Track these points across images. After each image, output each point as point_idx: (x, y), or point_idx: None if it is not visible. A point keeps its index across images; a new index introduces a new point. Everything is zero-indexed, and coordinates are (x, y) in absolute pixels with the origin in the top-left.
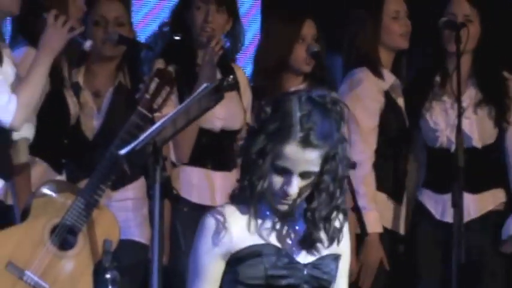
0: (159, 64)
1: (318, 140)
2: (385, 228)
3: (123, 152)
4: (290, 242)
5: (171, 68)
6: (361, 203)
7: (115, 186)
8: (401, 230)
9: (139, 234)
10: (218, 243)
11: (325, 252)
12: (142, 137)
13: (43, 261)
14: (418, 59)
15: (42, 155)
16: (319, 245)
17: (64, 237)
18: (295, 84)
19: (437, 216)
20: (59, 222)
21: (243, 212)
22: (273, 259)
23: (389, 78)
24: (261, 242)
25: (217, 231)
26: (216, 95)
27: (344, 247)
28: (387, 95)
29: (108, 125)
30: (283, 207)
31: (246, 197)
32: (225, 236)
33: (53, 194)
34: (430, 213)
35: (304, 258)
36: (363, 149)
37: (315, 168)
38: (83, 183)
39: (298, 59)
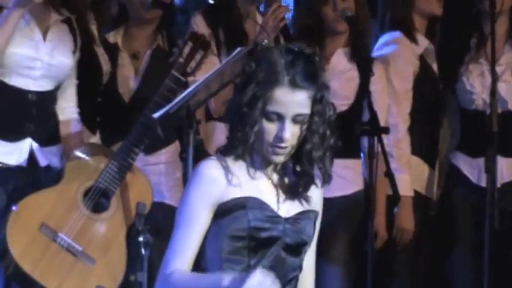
0: (199, 24)
1: (304, 81)
2: (417, 193)
3: (156, 115)
4: (275, 195)
5: (206, 31)
6: (394, 166)
7: (149, 150)
8: (434, 195)
9: (171, 197)
10: (211, 193)
11: (304, 208)
12: (176, 100)
13: (76, 224)
14: (452, 26)
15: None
16: (306, 194)
17: (97, 200)
18: (339, 45)
19: (474, 181)
20: (93, 185)
21: (231, 165)
22: (257, 212)
23: (423, 43)
24: (247, 194)
25: (210, 181)
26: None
27: (319, 205)
28: (421, 59)
29: (144, 88)
30: (278, 158)
31: (237, 150)
32: (217, 186)
33: (87, 157)
34: (466, 177)
35: (286, 212)
36: (397, 112)
37: (306, 110)
38: (116, 146)
39: (328, 18)
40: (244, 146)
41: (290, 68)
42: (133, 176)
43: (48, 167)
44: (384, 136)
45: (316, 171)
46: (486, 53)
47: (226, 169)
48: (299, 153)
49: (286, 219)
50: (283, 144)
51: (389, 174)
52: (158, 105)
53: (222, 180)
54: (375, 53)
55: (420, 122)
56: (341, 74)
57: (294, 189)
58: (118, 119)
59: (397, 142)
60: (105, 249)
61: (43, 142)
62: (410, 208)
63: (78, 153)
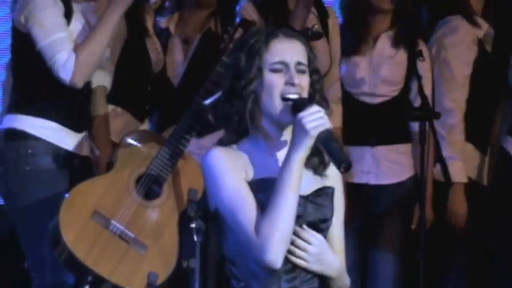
0: (249, 10)
1: (293, 32)
2: (469, 178)
3: (207, 102)
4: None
5: (256, 17)
6: (447, 152)
7: (202, 133)
8: (485, 181)
9: None
10: (238, 167)
11: (320, 185)
12: None
13: (129, 211)
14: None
15: (124, 104)
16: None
17: (149, 187)
18: (384, 27)
19: None
20: (144, 172)
21: (236, 150)
22: None
23: (484, 26)
24: (262, 176)
25: (230, 160)
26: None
27: (335, 182)
28: (480, 44)
29: (193, 71)
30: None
31: (239, 128)
32: (238, 162)
33: (138, 144)
34: None
35: (303, 190)
36: (455, 97)
37: (305, 60)
38: (167, 133)
39: None
40: (243, 117)
41: (277, 28)
42: (185, 162)
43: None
44: (437, 121)
45: None
46: None
47: (235, 153)
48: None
49: (306, 197)
50: (294, 90)
51: (440, 160)
52: (209, 91)
53: (237, 163)
54: (434, 37)
55: (474, 108)
56: (389, 59)
57: (311, 165)
58: (168, 104)
59: (452, 128)
60: (158, 236)
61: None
62: (462, 194)
63: (130, 140)
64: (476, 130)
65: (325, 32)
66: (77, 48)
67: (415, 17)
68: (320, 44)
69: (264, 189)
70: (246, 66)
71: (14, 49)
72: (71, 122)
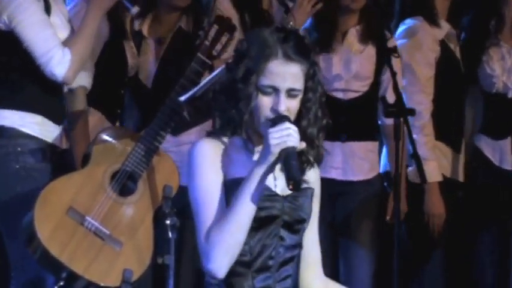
0: (225, 6)
1: (297, 55)
2: (444, 177)
3: (182, 98)
4: (271, 174)
5: (232, 13)
6: (420, 152)
7: (179, 131)
8: (460, 177)
9: None
10: (217, 164)
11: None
12: (202, 83)
13: (103, 207)
14: (471, 10)
15: (97, 105)
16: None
17: (124, 183)
18: (351, 25)
19: (496, 163)
20: (119, 168)
21: (226, 145)
22: None
23: (445, 27)
24: (244, 175)
25: (212, 155)
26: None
27: (315, 184)
28: (443, 44)
29: (165, 70)
30: None
31: (230, 129)
32: (219, 159)
33: (113, 141)
34: (489, 159)
35: (282, 190)
36: (421, 99)
37: (299, 85)
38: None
39: None
40: (238, 124)
41: (283, 42)
42: (160, 159)
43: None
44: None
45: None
46: (508, 35)
47: (222, 147)
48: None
49: (285, 197)
50: None
51: (415, 156)
52: (184, 88)
53: (222, 158)
54: (396, 38)
55: (443, 107)
56: (359, 54)
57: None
58: (142, 106)
59: (422, 128)
60: (132, 233)
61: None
62: (438, 193)
63: (105, 137)
64: (447, 129)
65: None
66: (68, 44)
67: (384, 11)
68: None
69: (233, 191)
70: (244, 81)
71: None
72: (54, 114)
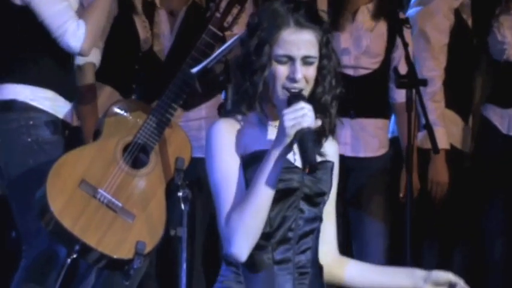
0: None
1: (309, 22)
2: (452, 146)
3: (194, 70)
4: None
5: None
6: (429, 119)
7: (189, 106)
8: (468, 148)
9: None
10: (234, 144)
11: (320, 159)
12: (213, 55)
13: (116, 180)
14: None
15: (110, 81)
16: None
17: (136, 155)
18: (363, 2)
19: (503, 131)
20: (131, 140)
21: (243, 121)
22: None
23: None
24: (262, 148)
25: (229, 135)
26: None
27: (334, 157)
28: (457, 13)
29: (180, 45)
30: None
31: (246, 103)
32: (236, 138)
33: (125, 113)
34: (497, 128)
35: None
36: (433, 65)
37: (314, 52)
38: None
39: None
40: (253, 97)
41: (294, 11)
42: (172, 131)
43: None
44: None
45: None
46: None
47: (238, 125)
48: (310, 99)
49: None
50: (295, 85)
51: (428, 127)
52: (196, 60)
53: (238, 136)
54: (410, 6)
55: (454, 76)
56: (369, 32)
57: None
58: (155, 79)
59: (433, 95)
60: (145, 205)
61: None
62: (443, 161)
63: (117, 109)
64: (457, 98)
65: None
66: (83, 16)
67: None
68: None
69: (252, 164)
70: (257, 52)
71: (6, 21)
72: (65, 91)
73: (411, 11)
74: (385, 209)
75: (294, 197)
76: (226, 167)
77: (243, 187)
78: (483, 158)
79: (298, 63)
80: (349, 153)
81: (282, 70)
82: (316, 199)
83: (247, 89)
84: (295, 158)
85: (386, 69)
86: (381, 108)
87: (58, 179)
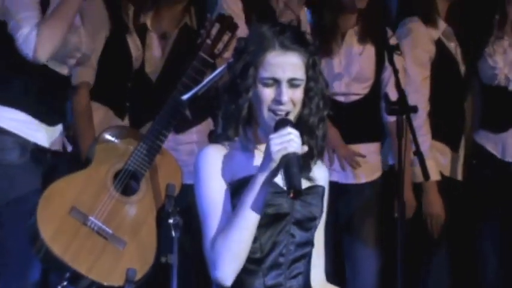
0: (231, 3)
1: (295, 44)
2: (443, 176)
3: (185, 97)
4: (280, 172)
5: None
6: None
7: (180, 129)
8: (459, 176)
9: None
10: (222, 171)
11: (310, 183)
12: (204, 82)
13: (106, 207)
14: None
15: (104, 100)
16: (309, 172)
17: (127, 182)
18: (350, 24)
19: (498, 156)
20: (122, 167)
21: (231, 147)
22: None
23: (441, 26)
24: (249, 174)
25: (217, 162)
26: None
27: (324, 182)
28: (439, 43)
29: (171, 67)
30: (281, 113)
31: (233, 128)
32: (224, 165)
33: (116, 140)
34: (491, 154)
35: None
36: (416, 99)
37: (300, 74)
38: (145, 129)
39: None
40: (239, 120)
41: (280, 34)
42: (163, 158)
43: (73, 153)
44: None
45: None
46: (510, 30)
47: (226, 151)
48: (297, 121)
49: None
50: (282, 107)
51: (418, 153)
52: (186, 86)
53: (226, 162)
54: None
55: (440, 106)
56: (358, 55)
57: None
58: (146, 100)
59: (419, 128)
60: (136, 232)
61: (66, 129)
62: (436, 193)
63: (108, 136)
64: (445, 128)
65: None
66: (39, 23)
67: (382, 10)
68: None
69: (242, 190)
70: (243, 75)
71: None
72: (43, 114)
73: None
74: (378, 232)
75: (285, 221)
76: (213, 193)
77: (229, 213)
78: (478, 182)
79: (284, 86)
80: (342, 180)
81: (267, 93)
82: (307, 224)
83: (233, 112)
84: (284, 182)
85: (377, 92)
86: (372, 132)
87: (48, 205)
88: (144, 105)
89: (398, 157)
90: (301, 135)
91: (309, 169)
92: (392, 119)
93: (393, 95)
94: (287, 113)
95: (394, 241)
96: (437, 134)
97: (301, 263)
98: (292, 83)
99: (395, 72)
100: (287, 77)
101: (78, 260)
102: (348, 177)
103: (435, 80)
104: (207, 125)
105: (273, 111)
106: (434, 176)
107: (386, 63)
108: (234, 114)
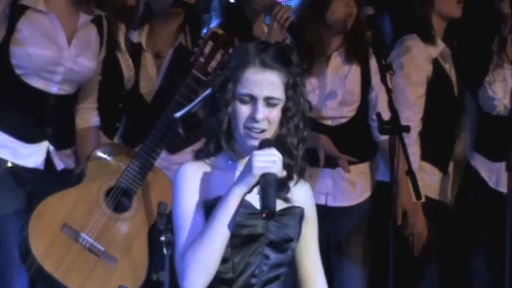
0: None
1: (274, 62)
2: (430, 199)
3: (178, 115)
4: (255, 193)
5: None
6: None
7: (174, 150)
8: (448, 200)
9: None
10: (197, 190)
11: (286, 205)
12: (197, 100)
13: (98, 224)
14: (471, 29)
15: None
16: (286, 193)
17: (119, 199)
18: (334, 45)
19: (491, 185)
20: (114, 184)
21: (211, 165)
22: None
23: (440, 46)
24: (225, 192)
25: (194, 180)
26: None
27: (305, 202)
28: (436, 62)
29: (166, 87)
30: (254, 142)
31: (213, 144)
32: (200, 184)
33: (108, 157)
34: (484, 180)
35: None
36: (409, 117)
37: (278, 93)
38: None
39: (335, 15)
40: (218, 135)
41: (262, 52)
42: (155, 175)
43: (66, 170)
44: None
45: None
46: (508, 56)
47: (206, 169)
48: (276, 141)
49: None
50: (256, 125)
51: (410, 173)
52: (179, 104)
53: (204, 179)
54: (391, 55)
55: (432, 127)
56: (343, 79)
57: None
58: (141, 120)
59: (408, 147)
60: (127, 249)
61: (59, 145)
62: (420, 213)
63: (100, 153)
64: (436, 149)
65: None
66: None
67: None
68: None
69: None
70: (222, 89)
71: None
72: (22, 132)
73: (391, 58)
74: (366, 251)
75: (258, 243)
76: (187, 208)
77: (200, 228)
78: (469, 205)
79: (260, 104)
80: (331, 203)
81: (244, 109)
82: (282, 245)
83: (213, 126)
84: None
85: (364, 113)
86: (361, 153)
87: (40, 222)
88: (138, 126)
89: (391, 176)
90: (282, 155)
91: (287, 190)
92: (384, 137)
93: (386, 115)
94: (262, 131)
95: (385, 257)
96: (426, 154)
97: (275, 284)
98: (268, 102)
99: (389, 92)
100: (264, 95)
101: (70, 277)
102: (336, 200)
103: (428, 99)
104: (201, 144)
105: (248, 128)
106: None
107: (373, 84)
108: (213, 129)
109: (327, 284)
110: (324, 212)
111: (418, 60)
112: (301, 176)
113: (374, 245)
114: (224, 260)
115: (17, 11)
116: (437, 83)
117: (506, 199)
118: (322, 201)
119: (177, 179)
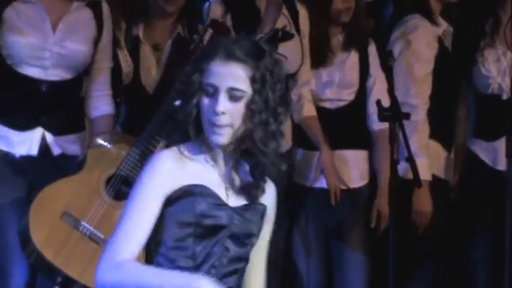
0: (216, 11)
1: (240, 54)
2: (435, 176)
3: (178, 102)
4: (224, 185)
5: (228, 16)
6: (412, 148)
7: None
8: (450, 177)
9: None
10: (162, 184)
11: (251, 200)
12: None
13: (98, 212)
14: (466, 11)
15: None
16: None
17: (119, 187)
18: (335, 34)
19: (490, 164)
20: (114, 172)
21: (185, 155)
22: (204, 199)
23: (443, 24)
24: (194, 182)
25: (162, 173)
26: (270, 45)
27: (268, 199)
28: (440, 41)
29: (167, 77)
30: (216, 138)
31: (186, 133)
32: (169, 178)
33: (108, 145)
34: (483, 162)
35: (234, 202)
36: (417, 94)
37: (242, 85)
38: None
39: (335, 10)
40: (188, 125)
41: (232, 43)
42: None
43: (63, 156)
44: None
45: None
46: (504, 37)
47: (180, 160)
48: (243, 136)
49: (234, 209)
50: (217, 118)
51: (410, 160)
52: (180, 92)
53: (175, 171)
54: (393, 36)
55: (437, 106)
56: (342, 64)
57: (244, 185)
58: (143, 111)
59: (417, 124)
60: None
61: (59, 131)
62: (428, 192)
63: (100, 141)
64: (440, 127)
65: (296, 30)
66: None
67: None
68: (291, 44)
69: (183, 198)
70: (190, 81)
71: None
72: (14, 121)
73: (394, 38)
74: (366, 241)
75: (221, 234)
76: (146, 197)
77: (148, 224)
78: (470, 190)
79: (222, 96)
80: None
81: (207, 102)
82: (243, 239)
83: (183, 117)
84: (227, 194)
85: (363, 100)
86: (360, 139)
87: (41, 210)
88: (141, 117)
89: (391, 164)
90: (252, 152)
91: (261, 189)
92: (378, 127)
93: (386, 102)
94: (224, 126)
95: (384, 252)
96: (432, 133)
97: (233, 278)
98: (231, 94)
99: (389, 78)
100: (226, 86)
101: (70, 265)
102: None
103: (434, 78)
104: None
105: (210, 123)
106: (426, 176)
107: (371, 71)
108: (184, 119)
109: (328, 276)
110: (324, 197)
111: (427, 36)
112: (274, 173)
113: (372, 235)
114: (184, 249)
115: (4, 3)
116: (441, 61)
117: (506, 178)
118: (323, 184)
119: (148, 165)
